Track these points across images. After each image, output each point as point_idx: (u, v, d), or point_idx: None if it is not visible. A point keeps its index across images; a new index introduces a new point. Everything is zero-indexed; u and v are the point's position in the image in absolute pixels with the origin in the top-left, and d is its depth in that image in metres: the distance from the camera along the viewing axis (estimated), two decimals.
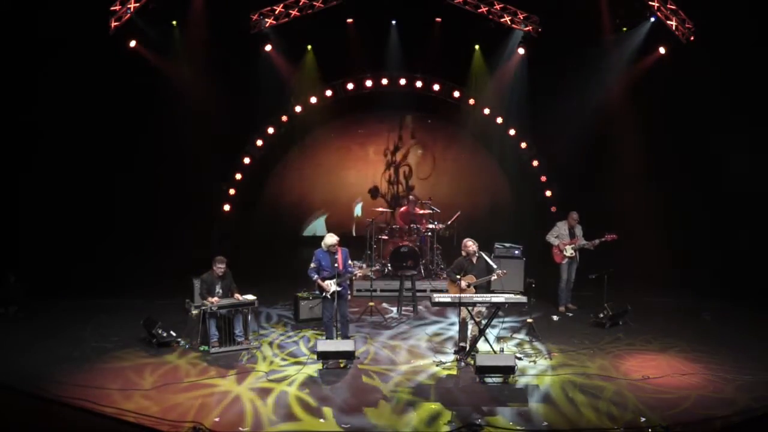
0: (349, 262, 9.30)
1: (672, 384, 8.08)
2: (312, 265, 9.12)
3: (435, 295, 8.80)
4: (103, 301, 11.34)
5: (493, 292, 9.19)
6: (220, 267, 9.36)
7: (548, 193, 14.85)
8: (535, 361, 8.82)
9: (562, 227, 11.28)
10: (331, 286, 8.98)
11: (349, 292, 9.64)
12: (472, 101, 14.63)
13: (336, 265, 9.02)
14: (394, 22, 13.89)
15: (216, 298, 9.27)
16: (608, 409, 7.37)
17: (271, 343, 9.61)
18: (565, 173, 14.32)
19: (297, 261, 10.56)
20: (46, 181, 12.32)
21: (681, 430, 6.86)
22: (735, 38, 11.66)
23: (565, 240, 11.20)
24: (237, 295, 9.40)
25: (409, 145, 15.51)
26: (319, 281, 9.07)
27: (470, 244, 9.18)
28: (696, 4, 12.36)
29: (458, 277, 8.97)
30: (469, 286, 9.03)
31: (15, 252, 11.76)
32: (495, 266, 9.09)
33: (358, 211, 12.10)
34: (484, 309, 9.09)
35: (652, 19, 12.68)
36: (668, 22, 12.55)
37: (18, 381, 7.74)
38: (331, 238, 9.11)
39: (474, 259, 9.17)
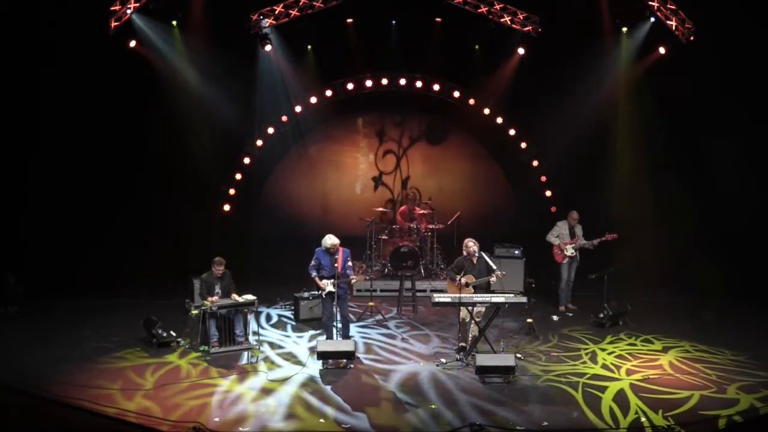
0: (349, 263, 9.28)
1: (674, 384, 8.08)
2: (312, 262, 9.13)
3: (435, 295, 8.78)
4: (103, 301, 11.35)
5: (493, 292, 9.18)
6: (219, 269, 9.36)
7: (548, 193, 14.83)
8: (535, 362, 8.82)
9: (562, 227, 11.29)
10: (328, 286, 8.98)
11: (348, 292, 9.63)
12: (472, 101, 14.61)
13: (336, 265, 9.02)
14: (394, 22, 13.87)
15: (216, 298, 9.27)
16: (610, 409, 7.37)
17: (271, 343, 9.61)
18: (565, 173, 14.30)
19: (297, 261, 10.54)
20: (46, 182, 12.30)
21: (683, 430, 6.85)
22: (735, 38, 11.64)
23: (565, 240, 11.20)
24: (234, 295, 9.39)
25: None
26: (317, 279, 9.07)
27: (471, 244, 9.19)
28: (696, 4, 12.34)
29: (458, 276, 8.97)
30: (468, 285, 9.03)
31: (15, 252, 11.75)
32: (495, 267, 9.08)
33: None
34: (483, 309, 9.09)
35: (652, 19, 12.66)
36: (668, 22, 12.54)
37: (18, 381, 7.74)
38: (330, 239, 9.09)
39: (474, 260, 9.16)
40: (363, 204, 15.11)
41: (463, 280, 8.97)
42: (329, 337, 9.14)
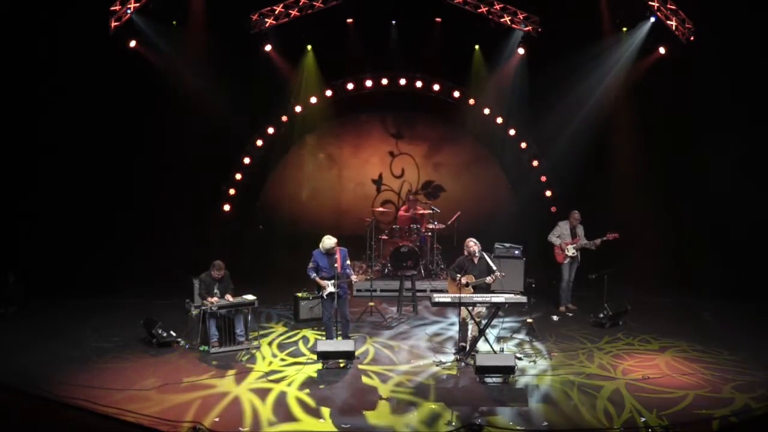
0: (348, 262, 9.30)
1: (671, 384, 8.09)
2: (310, 265, 9.13)
3: (435, 295, 8.80)
4: (103, 301, 11.37)
5: (493, 292, 9.19)
6: (218, 273, 9.35)
7: (548, 193, 14.84)
8: (535, 361, 8.84)
9: (563, 227, 11.29)
10: (329, 286, 8.99)
11: (348, 292, 9.65)
12: (472, 101, 14.61)
13: (335, 265, 9.03)
14: (394, 22, 13.88)
15: (215, 299, 9.28)
16: (607, 409, 7.38)
17: (270, 343, 9.62)
18: (565, 173, 14.31)
19: (296, 261, 10.56)
20: (47, 181, 12.31)
21: (679, 429, 6.86)
22: (735, 38, 11.65)
23: (566, 240, 11.21)
24: (228, 296, 9.39)
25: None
26: (318, 279, 9.09)
27: (472, 244, 9.20)
28: (696, 4, 12.35)
29: (458, 276, 8.98)
30: (468, 285, 9.04)
31: (15, 252, 11.76)
32: (495, 268, 9.09)
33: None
34: (484, 309, 9.10)
35: (652, 19, 12.68)
36: (668, 22, 12.55)
37: (18, 381, 7.74)
38: (329, 241, 9.09)
39: (475, 259, 9.18)
40: (364, 204, 15.14)
41: (464, 280, 8.98)
42: (329, 337, 9.15)
